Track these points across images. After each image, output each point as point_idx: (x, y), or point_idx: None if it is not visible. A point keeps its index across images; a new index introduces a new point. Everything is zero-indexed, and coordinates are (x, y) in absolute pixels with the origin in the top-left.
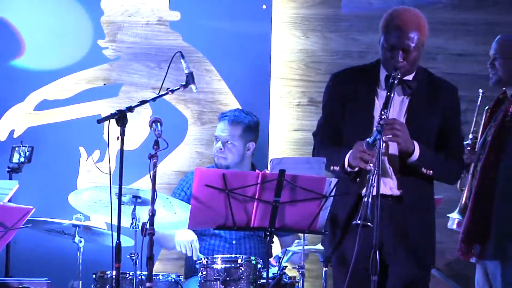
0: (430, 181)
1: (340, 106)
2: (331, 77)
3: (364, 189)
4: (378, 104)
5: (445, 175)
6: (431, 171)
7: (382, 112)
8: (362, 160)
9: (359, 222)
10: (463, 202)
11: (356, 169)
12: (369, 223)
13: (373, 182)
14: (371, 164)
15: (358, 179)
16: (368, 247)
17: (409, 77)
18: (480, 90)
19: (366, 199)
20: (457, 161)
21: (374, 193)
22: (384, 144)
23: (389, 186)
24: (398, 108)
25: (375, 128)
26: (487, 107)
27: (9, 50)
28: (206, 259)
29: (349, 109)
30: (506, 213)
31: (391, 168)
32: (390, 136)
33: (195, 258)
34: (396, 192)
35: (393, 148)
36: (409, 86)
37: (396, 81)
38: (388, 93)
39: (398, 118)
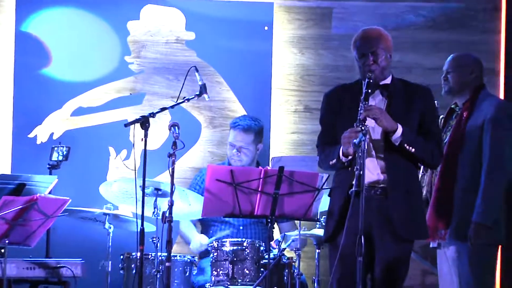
0: (415, 163)
1: (333, 119)
2: (323, 97)
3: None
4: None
5: (426, 154)
6: (413, 148)
7: (362, 104)
8: (348, 140)
9: (357, 189)
10: (424, 195)
11: (350, 157)
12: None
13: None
14: (356, 139)
15: (350, 168)
16: (355, 235)
17: (386, 82)
18: (436, 102)
19: (357, 172)
20: (436, 144)
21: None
22: (367, 131)
23: (376, 172)
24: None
25: (361, 132)
26: (441, 116)
27: (40, 62)
28: (216, 242)
29: (340, 120)
30: (463, 204)
31: (375, 152)
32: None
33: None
34: (381, 177)
35: (377, 134)
36: (385, 89)
37: (371, 81)
38: (366, 90)
39: None
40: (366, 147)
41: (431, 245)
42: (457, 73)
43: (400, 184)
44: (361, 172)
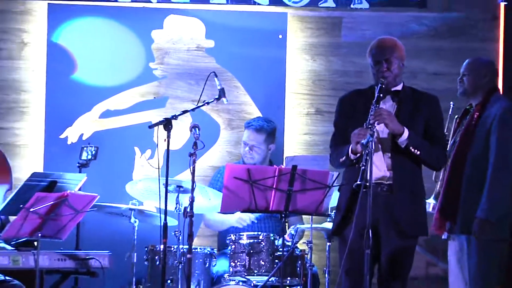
0: (419, 165)
1: (345, 123)
2: (338, 101)
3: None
4: None
5: (431, 157)
6: (419, 152)
7: (373, 107)
8: (358, 138)
9: (359, 183)
10: (437, 190)
11: (358, 155)
12: (367, 184)
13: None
14: (364, 140)
15: (357, 165)
16: (363, 229)
17: (397, 88)
18: (451, 103)
19: (362, 168)
20: (441, 147)
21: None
22: (376, 130)
23: (383, 168)
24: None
25: (368, 133)
26: (456, 116)
27: (70, 68)
28: (234, 236)
29: (352, 123)
30: (470, 198)
31: (382, 151)
32: (380, 120)
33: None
34: (387, 174)
35: (385, 133)
36: (396, 95)
37: (383, 86)
38: (378, 94)
39: None
40: (373, 147)
41: (442, 237)
42: (472, 76)
43: (406, 185)
44: (368, 170)
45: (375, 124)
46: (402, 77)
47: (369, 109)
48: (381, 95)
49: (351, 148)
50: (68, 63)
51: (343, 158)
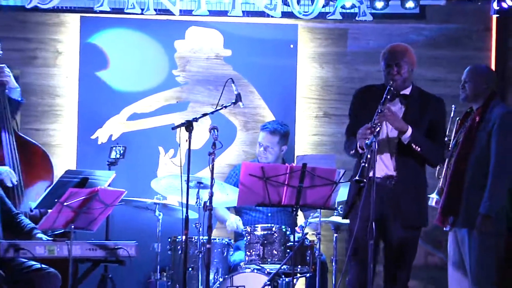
0: (422, 164)
1: (358, 114)
2: (354, 92)
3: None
4: None
5: (431, 154)
6: (420, 148)
7: (380, 106)
8: (362, 137)
9: (357, 178)
10: (440, 186)
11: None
12: (364, 180)
13: (369, 154)
14: (369, 137)
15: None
16: (367, 221)
17: (406, 92)
18: (453, 106)
19: (363, 164)
20: (440, 146)
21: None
22: (385, 131)
23: (388, 167)
24: (398, 113)
25: (372, 135)
26: (458, 118)
27: (101, 76)
28: (249, 227)
29: (362, 116)
30: (473, 194)
31: (390, 149)
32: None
33: (239, 230)
34: (393, 173)
35: (394, 132)
36: (404, 98)
37: (392, 88)
38: (385, 96)
39: None
40: (376, 147)
41: (444, 229)
42: (473, 82)
43: (410, 181)
44: (368, 168)
45: (380, 124)
46: (411, 81)
47: (377, 106)
48: (389, 97)
49: (358, 145)
50: (99, 70)
51: (353, 151)
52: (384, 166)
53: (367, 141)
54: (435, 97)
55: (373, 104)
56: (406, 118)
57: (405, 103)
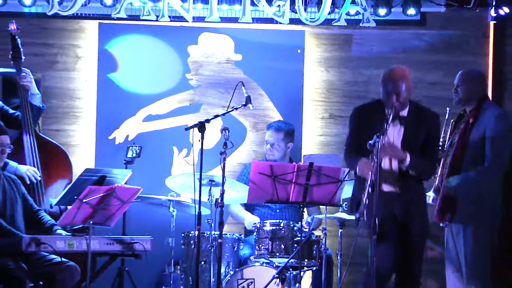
0: (420, 181)
1: (358, 129)
2: (353, 110)
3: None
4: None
5: (424, 172)
6: (415, 172)
7: (378, 138)
8: (363, 172)
9: (357, 216)
10: (436, 184)
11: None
12: (363, 217)
13: (369, 185)
14: (370, 173)
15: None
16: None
17: (404, 113)
18: (448, 108)
19: (364, 200)
20: (432, 161)
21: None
22: (387, 161)
23: (393, 186)
24: (397, 133)
25: (375, 135)
26: (452, 120)
27: (118, 80)
28: (259, 223)
29: (364, 131)
30: (468, 193)
31: (392, 175)
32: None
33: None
34: (397, 190)
35: (395, 163)
36: (403, 119)
37: (391, 117)
38: (386, 124)
39: (397, 140)
40: (380, 148)
41: (441, 225)
42: (465, 86)
43: (412, 190)
44: (378, 170)
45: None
46: (409, 99)
47: (375, 122)
48: (389, 123)
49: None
50: (115, 74)
51: (352, 172)
52: (390, 186)
53: (370, 142)
54: (431, 113)
55: (370, 120)
56: (406, 136)
57: (404, 123)
